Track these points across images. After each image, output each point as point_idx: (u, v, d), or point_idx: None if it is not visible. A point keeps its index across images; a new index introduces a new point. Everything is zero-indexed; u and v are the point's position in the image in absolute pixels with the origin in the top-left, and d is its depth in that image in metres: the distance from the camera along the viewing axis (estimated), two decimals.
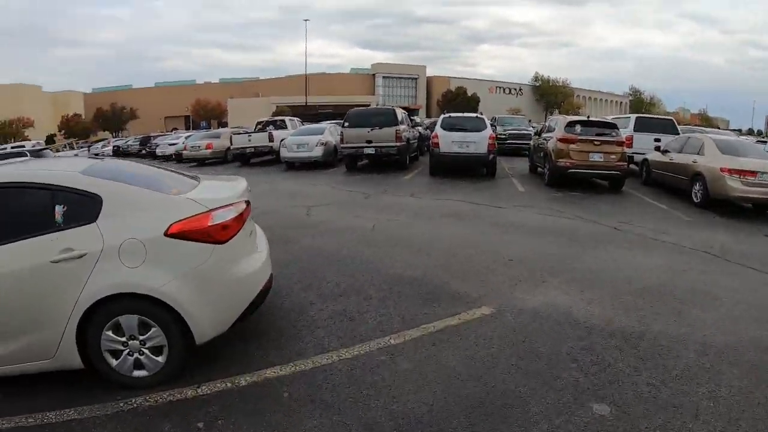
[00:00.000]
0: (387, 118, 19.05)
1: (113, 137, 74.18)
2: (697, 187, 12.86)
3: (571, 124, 15.06)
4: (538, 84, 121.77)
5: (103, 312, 4.18)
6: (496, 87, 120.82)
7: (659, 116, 22.12)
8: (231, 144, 25.73)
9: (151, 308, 4.22)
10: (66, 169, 4.72)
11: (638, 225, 10.29)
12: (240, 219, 4.65)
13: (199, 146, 28.55)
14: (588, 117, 15.88)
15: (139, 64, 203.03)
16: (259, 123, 29.26)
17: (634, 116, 19.56)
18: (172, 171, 5.94)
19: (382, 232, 9.42)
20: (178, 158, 30.99)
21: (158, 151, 36.08)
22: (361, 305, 5.94)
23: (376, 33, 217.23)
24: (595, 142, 14.39)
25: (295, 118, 30.95)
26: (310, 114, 58.96)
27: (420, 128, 25.69)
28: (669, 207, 12.68)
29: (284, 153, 21.85)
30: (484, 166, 17.22)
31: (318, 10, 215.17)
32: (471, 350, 4.84)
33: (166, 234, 4.23)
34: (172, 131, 62.86)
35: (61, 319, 4.13)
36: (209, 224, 4.36)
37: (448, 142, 16.73)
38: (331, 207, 12.25)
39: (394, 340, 5.05)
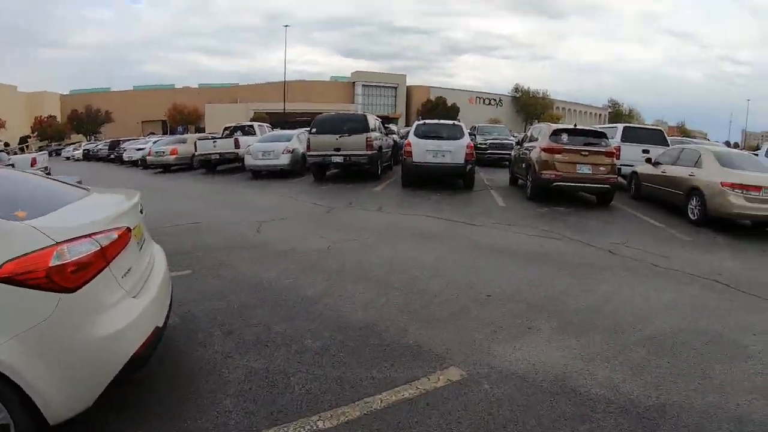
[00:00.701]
0: (357, 124, 17.70)
1: (87, 140, 72.61)
2: (694, 202, 11.67)
3: (556, 133, 13.75)
4: (518, 95, 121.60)
5: None
6: (476, 97, 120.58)
7: (648, 126, 20.66)
8: (195, 150, 24.23)
9: None
10: None
11: (634, 247, 8.95)
12: (102, 256, 3.22)
13: (163, 152, 27.28)
14: (575, 125, 14.63)
15: (119, 67, 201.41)
16: (226, 128, 27.73)
17: (621, 125, 18.31)
18: (61, 182, 4.56)
19: (337, 256, 7.91)
20: (144, 164, 29.57)
21: (125, 156, 34.91)
22: (291, 362, 4.48)
23: (358, 42, 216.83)
24: (583, 153, 13.12)
25: (264, 124, 29.33)
26: (288, 121, 58.49)
27: (395, 136, 24.29)
28: (664, 225, 11.40)
29: (248, 161, 20.45)
30: (460, 177, 15.92)
31: (300, 17, 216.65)
32: None
33: None
34: (148, 135, 61.58)
35: None
36: (51, 264, 2.94)
37: (422, 151, 15.38)
38: (286, 222, 10.84)
39: (324, 422, 3.58)
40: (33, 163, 23.55)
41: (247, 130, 26.43)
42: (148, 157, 28.42)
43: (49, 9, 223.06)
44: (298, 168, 20.17)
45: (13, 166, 22.55)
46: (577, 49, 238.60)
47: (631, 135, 17.37)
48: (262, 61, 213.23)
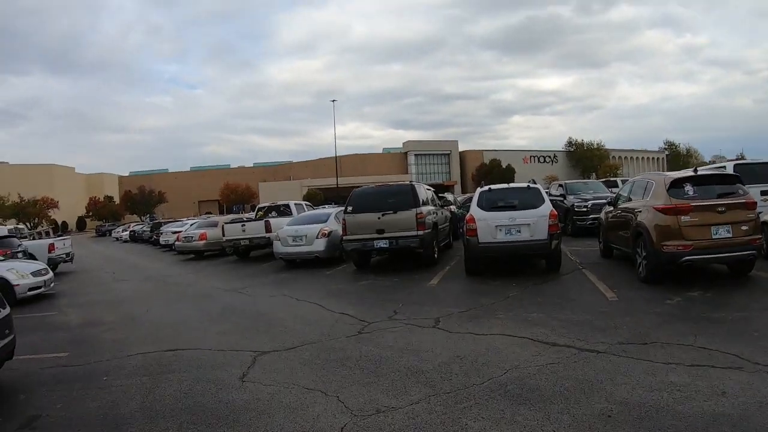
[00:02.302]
0: (404, 198, 14.06)
1: (141, 220, 73.20)
2: None
3: (677, 184, 9.71)
4: (572, 149, 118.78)
5: None
6: (531, 156, 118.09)
7: (764, 161, 15.48)
8: (223, 235, 21.22)
9: None
10: None
11: None
12: None
13: (192, 237, 24.57)
14: (695, 170, 10.78)
15: (178, 150, 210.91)
16: (260, 209, 24.70)
17: (731, 163, 13.96)
18: None
19: None
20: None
21: (161, 240, 32.90)
22: None
23: (408, 112, 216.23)
24: (719, 209, 9.15)
25: (303, 203, 26.10)
26: (341, 196, 56.61)
27: (453, 207, 20.41)
28: None
29: (277, 248, 17.12)
30: (544, 257, 12.08)
31: (350, 93, 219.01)
32: None
33: None
34: (205, 215, 63.31)
35: None
36: None
37: (491, 227, 11.56)
38: (292, 356, 7.07)
39: None
40: (51, 249, 21.41)
41: (283, 210, 23.32)
42: (176, 243, 25.86)
43: (113, 96, 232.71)
44: (337, 254, 16.63)
45: (24, 253, 19.79)
46: (624, 95, 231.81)
47: (746, 174, 12.74)
48: (315, 138, 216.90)
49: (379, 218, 13.69)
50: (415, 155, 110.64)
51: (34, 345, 8.86)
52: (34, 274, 14.40)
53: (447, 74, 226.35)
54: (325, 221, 17.17)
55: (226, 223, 22.44)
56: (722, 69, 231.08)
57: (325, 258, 16.39)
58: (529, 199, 12.03)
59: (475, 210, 12.06)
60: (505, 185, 13.83)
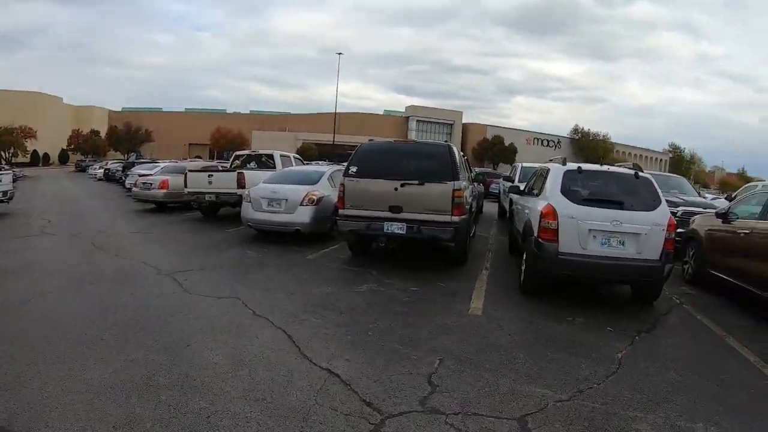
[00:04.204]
0: (435, 163, 9.41)
1: (125, 158, 68.99)
2: None
3: None
4: (576, 137, 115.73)
5: None
6: (534, 138, 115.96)
7: None
8: (186, 185, 16.72)
9: None
10: None
11: None
12: None
13: (151, 184, 19.77)
14: None
15: (175, 90, 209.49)
16: (236, 158, 20.09)
17: None
18: None
19: None
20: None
21: (127, 182, 28.88)
22: None
23: (413, 79, 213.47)
24: None
25: (292, 155, 20.86)
26: (337, 154, 53.15)
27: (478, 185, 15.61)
28: None
29: (246, 212, 12.79)
30: (647, 286, 7.76)
31: (356, 53, 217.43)
32: None
33: None
34: (195, 158, 61.49)
35: None
36: None
37: (582, 231, 7.23)
38: None
39: None
40: None
41: (265, 161, 18.83)
42: (133, 189, 21.21)
43: (115, 29, 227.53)
44: (327, 228, 12.41)
45: None
46: (631, 92, 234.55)
47: None
48: (316, 93, 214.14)
49: (396, 189, 9.24)
50: (417, 121, 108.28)
51: None
52: None
53: (456, 45, 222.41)
54: (316, 182, 12.92)
55: (190, 170, 17.69)
56: (733, 82, 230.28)
57: (310, 233, 12.23)
58: (639, 194, 7.65)
59: (558, 200, 7.63)
60: (601, 167, 8.75)
